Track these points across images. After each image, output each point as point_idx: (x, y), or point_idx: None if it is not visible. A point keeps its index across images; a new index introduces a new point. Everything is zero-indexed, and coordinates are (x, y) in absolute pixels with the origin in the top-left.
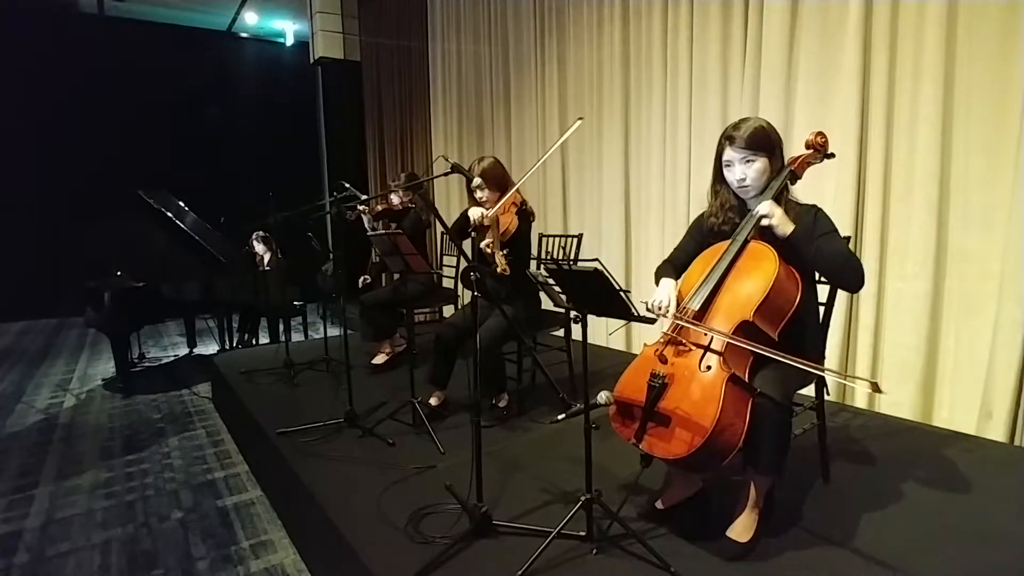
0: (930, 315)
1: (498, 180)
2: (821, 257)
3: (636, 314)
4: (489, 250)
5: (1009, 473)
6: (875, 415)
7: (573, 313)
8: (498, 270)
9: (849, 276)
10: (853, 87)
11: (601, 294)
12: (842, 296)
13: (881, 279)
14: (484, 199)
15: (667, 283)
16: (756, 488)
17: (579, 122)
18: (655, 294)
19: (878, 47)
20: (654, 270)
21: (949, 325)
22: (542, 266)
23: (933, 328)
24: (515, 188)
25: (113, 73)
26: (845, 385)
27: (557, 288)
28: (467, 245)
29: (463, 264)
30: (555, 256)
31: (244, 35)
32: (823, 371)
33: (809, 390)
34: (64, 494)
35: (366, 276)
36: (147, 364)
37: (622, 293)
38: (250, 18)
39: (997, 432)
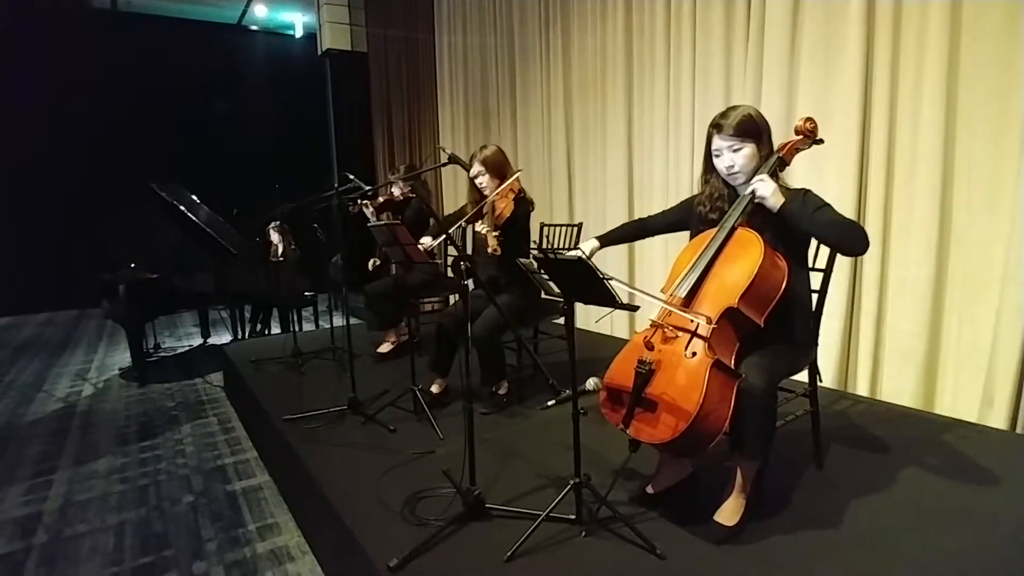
0: (932, 301)
1: (498, 167)
2: (822, 228)
3: (620, 302)
4: (483, 232)
5: (1008, 460)
6: (876, 402)
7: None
8: (489, 250)
9: (853, 239)
10: (856, 70)
11: (585, 282)
12: (844, 282)
13: (884, 265)
14: (484, 185)
15: (589, 242)
16: (743, 473)
17: (519, 172)
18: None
19: (881, 30)
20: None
21: (952, 311)
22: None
23: (935, 314)
24: (510, 179)
25: (127, 68)
26: (847, 373)
27: (546, 276)
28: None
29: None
30: (555, 245)
31: (254, 28)
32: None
33: (802, 376)
34: (81, 479)
35: (376, 258)
36: (162, 354)
37: (605, 281)
38: (259, 11)
39: (998, 419)
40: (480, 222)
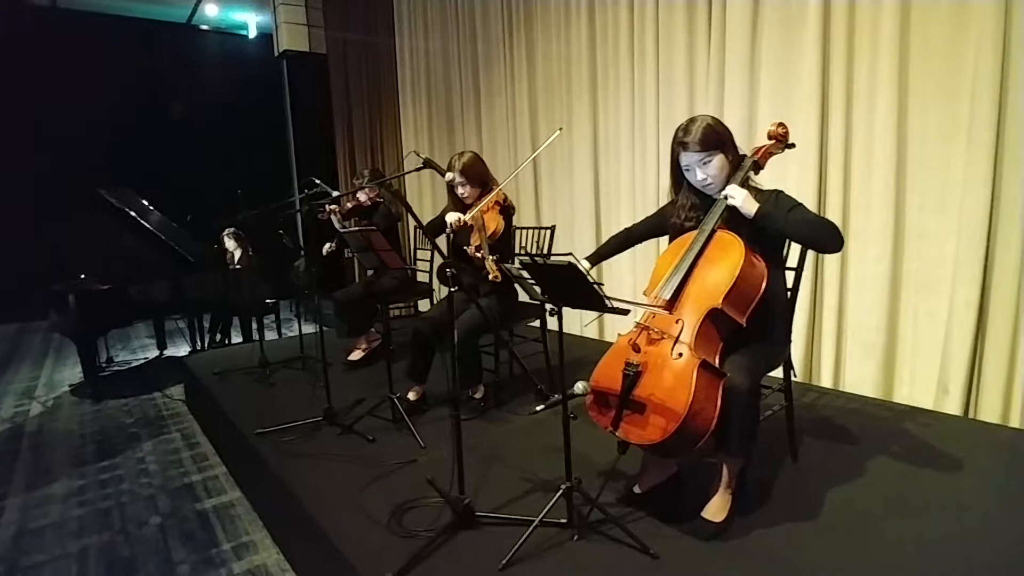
0: (890, 296)
1: (478, 175)
2: (796, 228)
3: (610, 306)
4: (480, 255)
5: (964, 445)
6: (840, 394)
7: (549, 306)
8: (490, 277)
9: (827, 237)
10: (814, 77)
11: (575, 287)
12: (807, 279)
13: (844, 263)
14: (465, 195)
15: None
16: (728, 469)
17: (559, 132)
18: None
19: (836, 40)
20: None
21: (908, 306)
22: (516, 260)
23: (893, 309)
24: (498, 188)
25: (69, 68)
26: (812, 365)
27: (531, 281)
28: (442, 241)
29: (438, 259)
30: (529, 249)
31: (205, 27)
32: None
33: (777, 372)
34: (36, 504)
35: (331, 244)
36: (116, 368)
37: (595, 286)
38: (210, 9)
39: (953, 406)
40: (472, 243)
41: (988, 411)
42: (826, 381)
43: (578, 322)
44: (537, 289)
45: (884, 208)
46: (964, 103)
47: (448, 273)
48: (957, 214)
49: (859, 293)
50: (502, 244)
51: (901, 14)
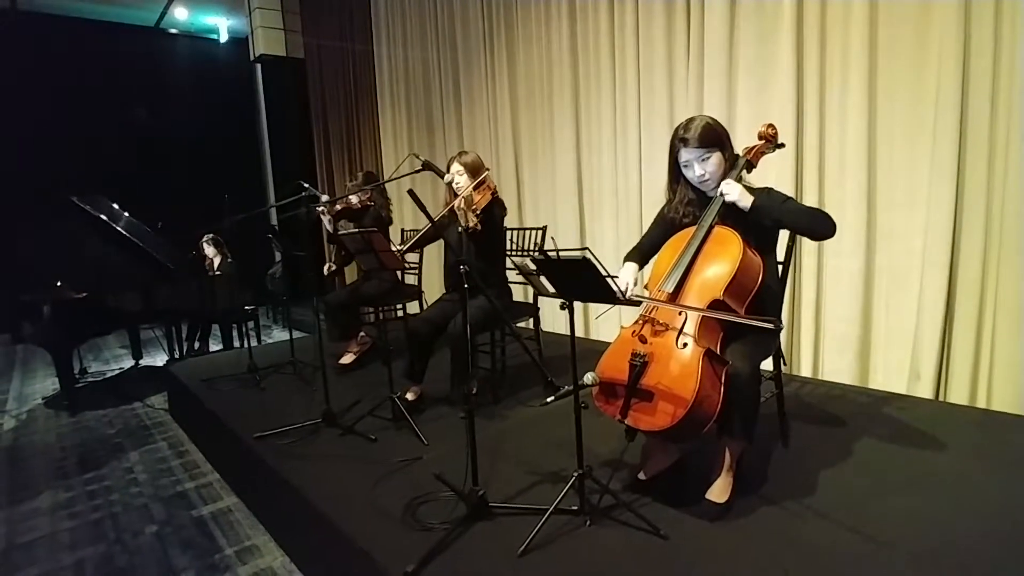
0: (864, 289)
1: (475, 171)
2: (793, 218)
3: (622, 298)
4: (461, 207)
5: (937, 426)
6: (820, 383)
7: (560, 301)
8: (470, 225)
9: (822, 223)
10: (788, 82)
11: (588, 281)
12: (787, 273)
13: (820, 258)
14: (460, 185)
15: (629, 267)
16: (730, 453)
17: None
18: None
19: (809, 45)
20: (622, 258)
21: (880, 298)
22: (528, 257)
23: (867, 301)
24: (483, 175)
25: (34, 72)
26: (792, 356)
27: (542, 278)
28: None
29: (426, 262)
30: (521, 248)
31: (174, 31)
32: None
33: (767, 363)
34: (22, 518)
35: (331, 264)
36: (90, 379)
37: (609, 279)
38: (180, 13)
39: (925, 391)
40: (457, 202)
41: (957, 394)
42: (806, 371)
43: (561, 320)
44: (547, 285)
45: (857, 206)
46: (929, 107)
47: (462, 271)
48: (924, 210)
49: (835, 287)
50: (492, 237)
51: (870, 25)
